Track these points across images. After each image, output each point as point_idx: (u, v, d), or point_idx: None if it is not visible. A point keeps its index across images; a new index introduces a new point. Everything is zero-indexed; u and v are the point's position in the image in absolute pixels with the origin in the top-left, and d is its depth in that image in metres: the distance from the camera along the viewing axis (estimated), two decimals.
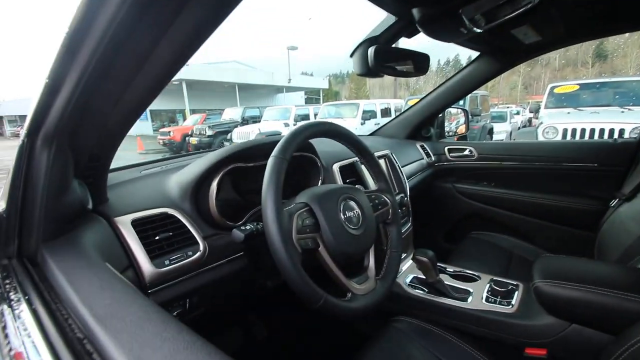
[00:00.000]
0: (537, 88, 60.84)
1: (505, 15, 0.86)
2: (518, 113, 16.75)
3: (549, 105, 5.93)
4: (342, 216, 0.73)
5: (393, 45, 1.04)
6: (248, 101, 20.37)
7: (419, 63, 1.07)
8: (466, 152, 1.88)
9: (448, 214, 1.94)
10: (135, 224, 0.71)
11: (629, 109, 4.98)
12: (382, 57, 0.94)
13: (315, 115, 11.07)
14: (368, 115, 9.45)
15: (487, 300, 1.01)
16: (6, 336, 0.38)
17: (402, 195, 1.35)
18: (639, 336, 0.59)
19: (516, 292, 1.02)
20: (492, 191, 1.78)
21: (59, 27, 0.41)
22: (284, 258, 0.60)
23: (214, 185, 0.82)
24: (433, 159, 1.90)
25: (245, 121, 12.09)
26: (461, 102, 5.29)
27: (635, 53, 50.33)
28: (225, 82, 19.60)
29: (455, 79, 1.66)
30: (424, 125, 1.92)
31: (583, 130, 4.82)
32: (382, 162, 1.41)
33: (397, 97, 16.65)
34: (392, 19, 0.95)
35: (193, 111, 16.76)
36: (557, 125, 5.07)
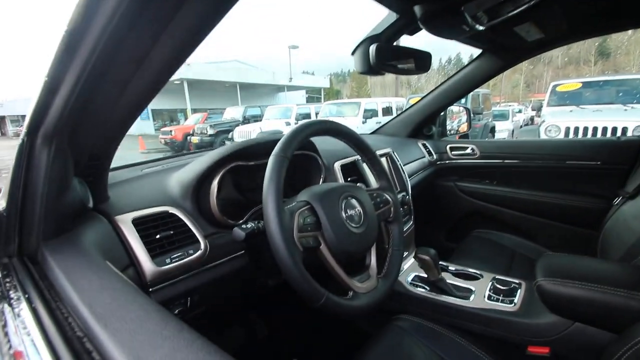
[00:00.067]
0: (540, 86, 60.63)
1: (508, 12, 0.86)
2: (520, 111, 16.69)
3: (552, 103, 5.89)
4: (343, 214, 0.73)
5: (395, 43, 1.03)
6: (249, 100, 20.38)
7: (421, 61, 1.06)
8: (468, 151, 1.87)
9: (450, 213, 1.94)
10: (136, 222, 0.70)
11: (632, 107, 4.95)
12: (384, 55, 0.94)
13: (317, 114, 11.07)
14: (369, 114, 9.44)
15: (489, 298, 1.00)
16: (6, 335, 0.38)
17: (404, 193, 1.34)
18: None
19: (519, 291, 1.02)
20: (494, 189, 1.77)
21: (58, 25, 0.41)
22: (285, 256, 0.59)
23: (215, 183, 0.82)
24: (435, 157, 1.90)
25: (246, 120, 12.11)
26: (463, 101, 5.28)
27: (638, 51, 50.06)
28: (227, 81, 19.62)
29: (457, 77, 1.65)
30: (425, 124, 1.92)
31: (586, 129, 4.79)
32: (383, 160, 1.41)
33: (398, 96, 16.63)
34: (394, 16, 0.95)
35: (194, 110, 16.79)
36: (559, 123, 5.05)
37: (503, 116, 10.57)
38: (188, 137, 11.02)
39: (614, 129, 4.58)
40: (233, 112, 13.01)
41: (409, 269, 1.22)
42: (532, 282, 0.93)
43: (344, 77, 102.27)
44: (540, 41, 1.29)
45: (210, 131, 10.60)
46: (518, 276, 1.09)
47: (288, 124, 10.12)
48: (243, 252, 0.87)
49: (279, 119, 10.75)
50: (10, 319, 0.41)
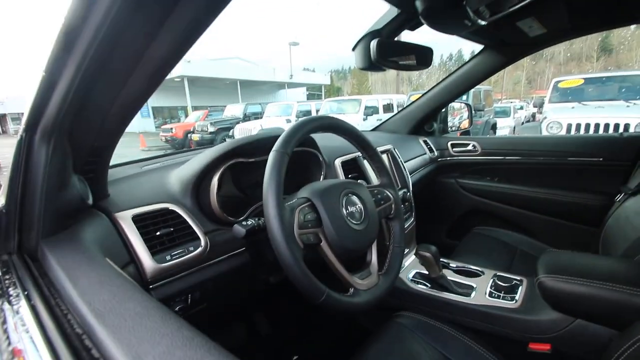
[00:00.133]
0: (541, 83, 60.37)
1: (511, 6, 0.85)
2: (522, 108, 16.64)
3: (553, 99, 5.86)
4: (344, 211, 0.72)
5: (396, 39, 1.02)
6: (250, 97, 20.35)
7: (422, 56, 1.05)
8: (469, 147, 1.86)
9: (451, 209, 1.93)
10: (136, 219, 0.70)
11: (635, 103, 4.92)
12: (385, 51, 0.93)
13: (317, 111, 11.04)
14: (370, 111, 9.41)
15: (490, 295, 1.00)
16: (5, 332, 0.38)
17: (405, 190, 1.34)
18: None
19: (520, 287, 1.01)
20: (496, 186, 1.77)
21: (55, 20, 0.40)
22: (285, 253, 0.59)
23: (215, 180, 0.82)
24: (436, 154, 1.89)
25: (247, 117, 12.08)
26: (464, 97, 5.26)
27: None
28: (227, 78, 19.58)
29: (459, 73, 1.64)
30: (426, 120, 1.91)
31: (587, 125, 4.77)
32: (384, 157, 1.40)
33: (399, 93, 16.59)
34: (395, 11, 0.94)
35: (195, 108, 16.77)
36: (561, 120, 5.02)
37: (504, 113, 10.54)
38: (189, 135, 11.00)
39: (616, 126, 4.55)
40: (234, 110, 12.98)
41: (410, 265, 1.22)
42: (533, 278, 0.93)
43: (345, 74, 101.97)
44: (543, 36, 1.28)
45: (211, 129, 10.58)
46: (519, 273, 1.09)
47: (289, 121, 10.10)
48: (243, 249, 0.87)
49: (279, 117, 10.73)
50: (10, 316, 0.41)
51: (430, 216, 1.92)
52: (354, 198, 0.77)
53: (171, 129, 11.76)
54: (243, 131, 9.88)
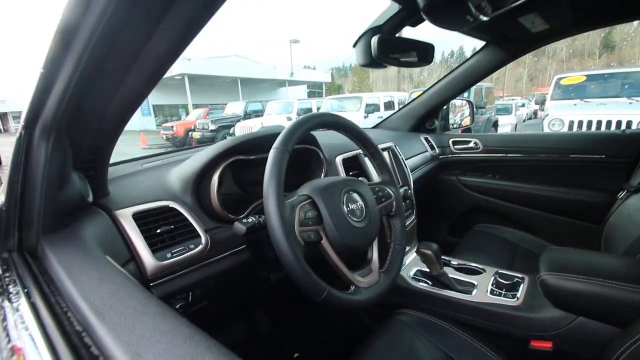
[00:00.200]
0: (543, 80, 60.09)
1: (513, 2, 0.84)
2: (523, 105, 16.57)
3: (555, 96, 5.82)
4: (345, 208, 0.72)
5: (397, 35, 1.02)
6: (250, 95, 20.36)
7: (424, 53, 1.05)
8: (471, 145, 1.85)
9: (452, 207, 1.93)
10: (137, 217, 0.70)
11: (637, 100, 4.89)
12: (386, 47, 0.92)
13: (318, 109, 11.03)
14: (371, 108, 9.37)
15: (492, 293, 1.00)
16: (5, 329, 0.38)
17: (406, 187, 1.33)
18: None
19: (521, 285, 1.01)
20: (497, 184, 1.76)
21: (53, 17, 0.40)
22: (286, 251, 0.59)
23: (216, 178, 0.81)
24: (437, 151, 1.88)
25: (247, 115, 12.07)
26: (465, 95, 5.24)
27: None
28: (228, 76, 19.56)
29: (460, 70, 1.63)
30: (428, 118, 1.90)
31: (590, 122, 4.73)
32: (385, 154, 1.40)
33: (400, 90, 16.54)
34: (396, 7, 0.93)
35: (196, 106, 16.78)
36: (563, 117, 4.99)
37: (506, 110, 10.50)
38: (189, 133, 10.99)
39: (619, 123, 4.52)
40: (234, 107, 12.97)
41: (411, 263, 1.22)
42: (535, 276, 0.92)
43: (346, 72, 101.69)
44: (545, 32, 1.27)
45: (212, 126, 10.57)
46: (521, 270, 1.09)
47: (289, 119, 10.08)
48: (244, 246, 0.87)
49: (280, 114, 10.71)
50: (9, 313, 0.41)
51: (432, 214, 1.91)
52: (355, 195, 0.76)
53: (172, 127, 11.75)
54: (244, 129, 9.87)
